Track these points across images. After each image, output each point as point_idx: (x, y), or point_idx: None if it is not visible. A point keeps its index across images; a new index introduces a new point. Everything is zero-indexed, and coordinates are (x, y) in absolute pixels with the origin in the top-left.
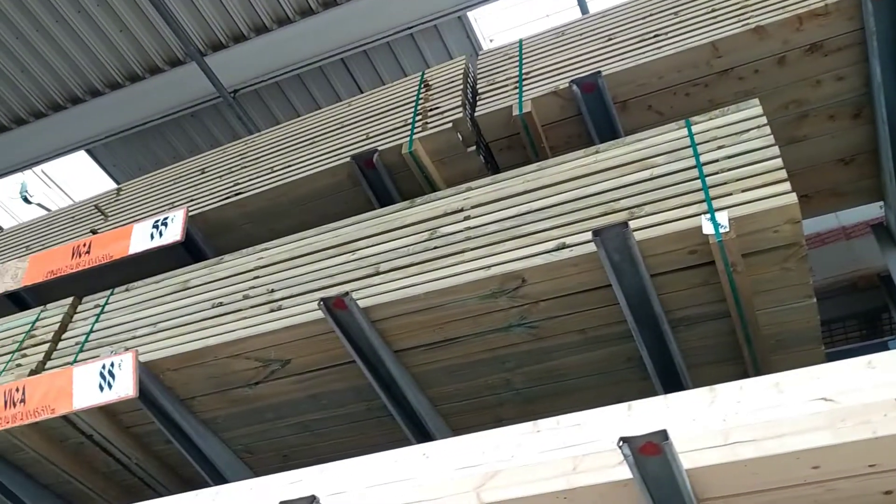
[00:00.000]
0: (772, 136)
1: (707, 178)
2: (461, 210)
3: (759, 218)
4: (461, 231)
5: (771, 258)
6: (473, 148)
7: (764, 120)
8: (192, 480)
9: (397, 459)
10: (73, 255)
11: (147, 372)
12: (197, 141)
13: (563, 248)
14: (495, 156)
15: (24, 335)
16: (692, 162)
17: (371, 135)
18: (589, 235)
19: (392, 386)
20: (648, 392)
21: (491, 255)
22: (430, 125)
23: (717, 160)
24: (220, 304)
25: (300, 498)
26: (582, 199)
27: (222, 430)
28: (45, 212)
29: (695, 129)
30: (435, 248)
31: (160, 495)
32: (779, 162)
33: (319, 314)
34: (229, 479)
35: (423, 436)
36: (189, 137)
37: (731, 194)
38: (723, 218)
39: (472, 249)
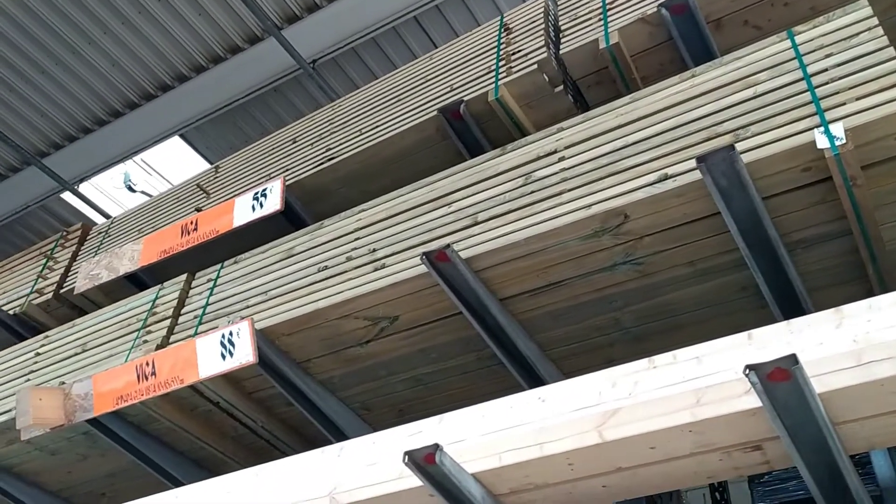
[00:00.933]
0: (885, 38)
1: (817, 90)
2: (554, 152)
3: (878, 126)
4: (557, 173)
5: (893, 168)
6: (561, 88)
7: (874, 21)
8: (315, 439)
9: (513, 405)
10: (182, 233)
11: (263, 338)
12: (282, 115)
13: (665, 180)
14: (584, 93)
15: (146, 313)
16: (799, 74)
17: (455, 86)
18: (692, 163)
19: (500, 334)
20: (766, 321)
21: (590, 193)
22: (514, 69)
23: (825, 69)
24: (326, 268)
25: (424, 447)
26: (681, 126)
27: (339, 390)
28: (148, 198)
29: (798, 39)
30: (531, 192)
31: (286, 455)
32: (895, 64)
33: (423, 269)
34: (350, 436)
35: (535, 381)
36: (274, 112)
37: (844, 104)
38: (838, 129)
39: (570, 190)
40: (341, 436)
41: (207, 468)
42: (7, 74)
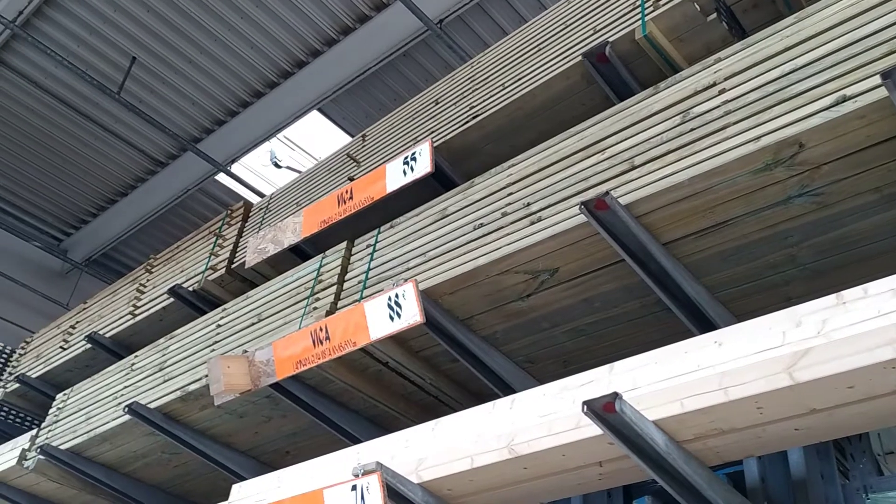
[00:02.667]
0: None
1: None
2: (713, 84)
3: None
4: (718, 107)
5: None
6: (714, 15)
7: None
8: (482, 393)
9: (687, 350)
10: (339, 202)
11: (426, 298)
12: (413, 79)
13: (844, 102)
14: (740, 19)
15: (313, 281)
16: None
17: (598, 28)
18: (875, 81)
19: (665, 279)
20: None
21: (758, 125)
22: (661, 2)
23: None
24: (482, 225)
25: (603, 396)
26: (858, 42)
27: (502, 344)
28: (294, 174)
29: None
30: (691, 130)
31: (455, 410)
32: None
33: (581, 219)
34: (516, 389)
35: (705, 326)
36: (406, 77)
37: None
38: None
39: (735, 123)
40: (508, 389)
41: (381, 425)
42: (159, 68)
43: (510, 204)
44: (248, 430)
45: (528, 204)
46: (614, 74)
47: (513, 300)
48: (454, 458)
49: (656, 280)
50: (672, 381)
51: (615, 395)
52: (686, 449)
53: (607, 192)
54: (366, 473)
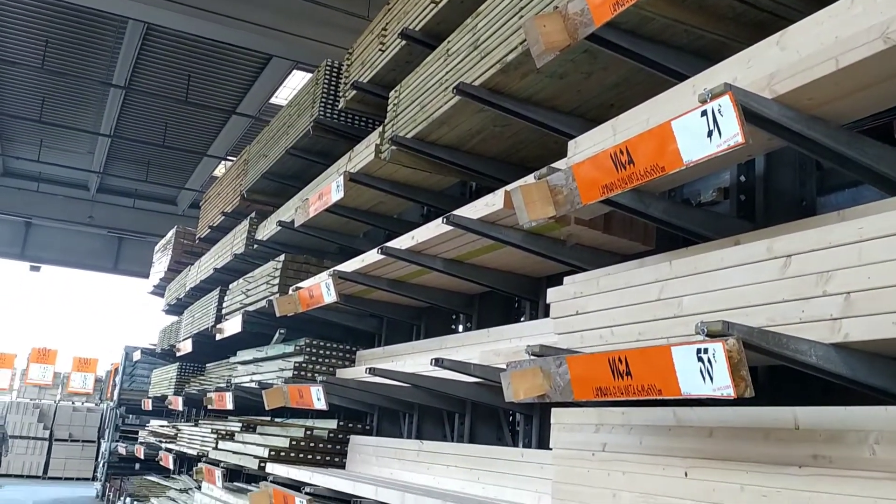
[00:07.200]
0: None
1: None
2: None
3: None
4: None
5: None
6: None
7: None
8: None
9: None
10: None
11: None
12: None
13: None
14: None
15: None
16: None
17: None
18: None
19: None
20: None
21: None
22: None
23: None
24: None
25: None
26: None
27: None
28: None
29: None
30: None
31: (793, 22)
32: None
33: None
34: None
35: None
36: None
37: None
38: None
39: None
40: None
41: (708, 57)
42: None
43: None
44: (570, 90)
45: None
46: None
47: None
48: (813, 65)
49: None
50: None
51: None
52: None
53: None
54: (714, 97)
